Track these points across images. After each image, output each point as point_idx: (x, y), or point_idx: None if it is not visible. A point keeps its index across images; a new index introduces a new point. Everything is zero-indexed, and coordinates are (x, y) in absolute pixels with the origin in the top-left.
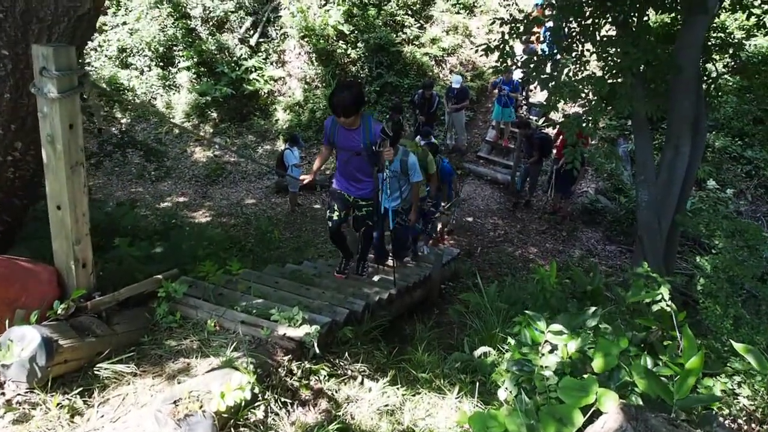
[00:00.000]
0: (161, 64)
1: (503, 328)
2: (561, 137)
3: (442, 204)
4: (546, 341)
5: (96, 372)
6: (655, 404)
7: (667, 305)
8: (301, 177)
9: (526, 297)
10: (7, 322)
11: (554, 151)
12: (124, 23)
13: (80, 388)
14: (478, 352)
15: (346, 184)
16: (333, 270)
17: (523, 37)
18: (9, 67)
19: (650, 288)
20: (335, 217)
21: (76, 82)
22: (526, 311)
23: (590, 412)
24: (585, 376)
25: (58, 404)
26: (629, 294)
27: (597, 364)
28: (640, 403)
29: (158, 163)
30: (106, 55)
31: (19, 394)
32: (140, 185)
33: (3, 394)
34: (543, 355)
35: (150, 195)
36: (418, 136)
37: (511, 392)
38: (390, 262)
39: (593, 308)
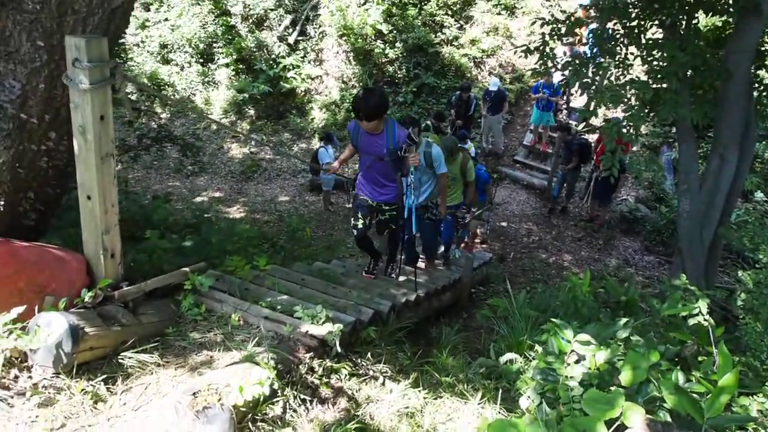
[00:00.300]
0: (201, 60)
1: (531, 335)
2: (601, 143)
3: (473, 209)
4: (572, 351)
5: (120, 360)
6: (686, 422)
7: (705, 319)
8: (327, 162)
9: (556, 305)
10: (36, 308)
11: (594, 157)
12: (166, 19)
13: (104, 376)
14: (504, 358)
15: (369, 189)
16: (362, 270)
17: (568, 39)
18: (44, 58)
19: (687, 301)
20: (360, 225)
21: (107, 73)
22: (554, 319)
23: (615, 426)
24: (612, 388)
25: (82, 390)
26: (665, 306)
27: (625, 377)
28: (668, 419)
29: (194, 158)
30: (148, 51)
31: (45, 378)
32: (177, 179)
33: (30, 377)
34: (568, 365)
35: (186, 189)
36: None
37: (533, 401)
38: (421, 264)
39: (625, 319)
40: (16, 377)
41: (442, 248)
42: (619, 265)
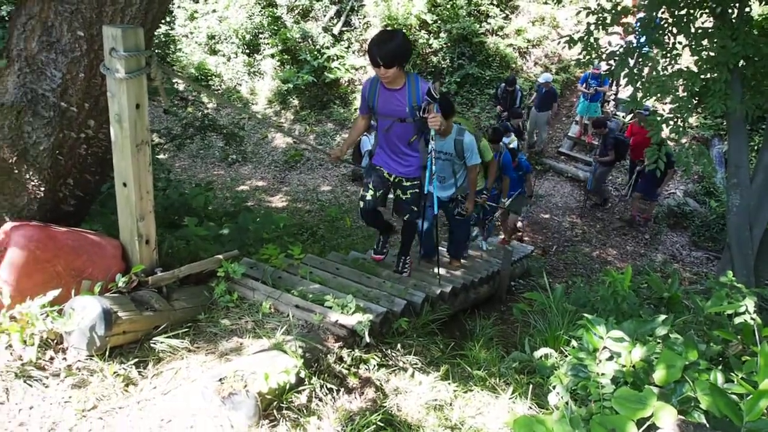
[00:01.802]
0: (247, 51)
1: (568, 330)
2: (633, 137)
3: (502, 200)
4: (604, 347)
5: (152, 345)
6: (723, 424)
7: (752, 318)
8: (328, 151)
9: (596, 300)
10: (73, 291)
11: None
12: (214, 11)
13: (136, 360)
14: (538, 353)
15: (386, 159)
16: (371, 252)
17: (614, 29)
18: (84, 48)
19: (734, 299)
20: (369, 197)
21: (143, 63)
22: (587, 315)
23: (645, 425)
24: (646, 387)
25: (114, 373)
26: (708, 304)
27: (659, 375)
28: (703, 421)
29: (238, 147)
30: (196, 42)
31: (79, 360)
32: (222, 168)
33: (65, 359)
34: (600, 361)
35: (230, 178)
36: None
37: (562, 398)
38: (445, 259)
39: (663, 316)
40: (52, 358)
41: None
42: (666, 261)
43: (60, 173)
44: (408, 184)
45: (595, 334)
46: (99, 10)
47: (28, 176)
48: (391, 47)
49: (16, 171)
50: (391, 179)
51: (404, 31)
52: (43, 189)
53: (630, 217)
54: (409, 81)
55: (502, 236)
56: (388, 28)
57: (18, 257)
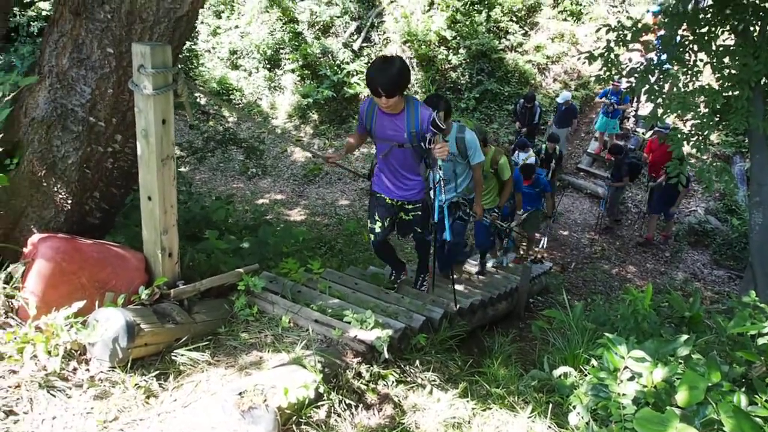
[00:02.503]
0: (268, 66)
1: (588, 348)
2: (651, 154)
3: (518, 213)
4: (625, 367)
5: (173, 357)
6: None
7: None
8: (324, 155)
9: (615, 318)
10: (97, 303)
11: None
12: (236, 27)
13: (157, 372)
14: (557, 371)
15: (387, 184)
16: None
17: (634, 46)
18: (113, 65)
19: (757, 319)
20: (377, 229)
21: (170, 79)
22: (607, 334)
23: None
24: (668, 409)
25: (135, 385)
26: (731, 324)
27: (681, 397)
28: None
29: (258, 161)
30: (218, 57)
31: (101, 372)
32: (241, 181)
33: (88, 370)
34: (621, 381)
35: (249, 191)
36: (515, 148)
37: (582, 418)
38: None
39: (685, 337)
40: (75, 369)
41: (477, 255)
42: (687, 279)
43: (87, 186)
44: (410, 207)
45: (616, 354)
46: (128, 28)
47: (56, 189)
48: (392, 75)
49: (45, 184)
50: (394, 204)
51: (417, 48)
52: (70, 202)
53: (644, 240)
54: (408, 106)
55: (515, 256)
56: (386, 55)
57: (45, 268)
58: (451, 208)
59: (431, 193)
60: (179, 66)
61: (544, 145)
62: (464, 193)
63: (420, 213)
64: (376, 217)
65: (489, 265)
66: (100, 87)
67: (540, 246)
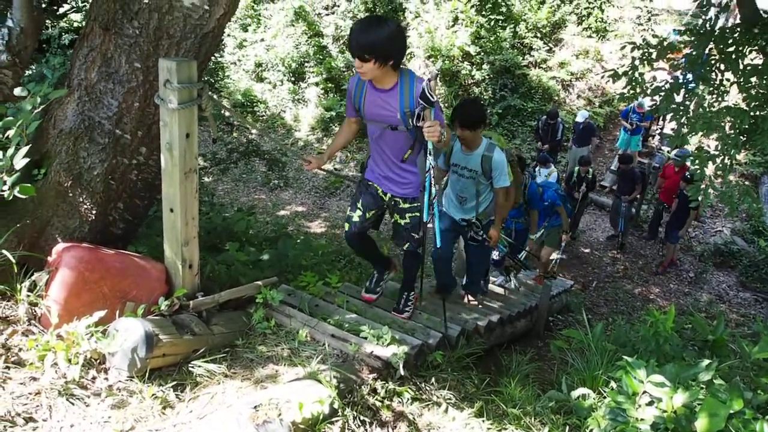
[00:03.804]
0: (292, 79)
1: (607, 370)
2: (666, 180)
3: (530, 236)
4: (645, 392)
5: (190, 369)
6: None
7: None
8: (306, 158)
9: (636, 339)
10: (117, 312)
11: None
12: (262, 40)
13: (174, 383)
14: (575, 393)
15: (380, 174)
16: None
17: (658, 64)
18: (140, 79)
19: None
20: (355, 218)
21: (195, 94)
22: (626, 357)
23: None
24: None
25: (152, 395)
26: (756, 349)
27: (701, 424)
28: None
29: (280, 173)
30: (243, 69)
31: (120, 381)
32: (263, 192)
33: (107, 379)
34: (639, 406)
35: (271, 202)
36: (537, 164)
37: None
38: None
39: (707, 361)
40: (94, 378)
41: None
42: (711, 301)
43: (111, 197)
44: (406, 206)
45: (635, 378)
46: (156, 44)
47: (81, 199)
48: (375, 36)
49: (71, 194)
50: (386, 199)
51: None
52: (94, 212)
53: (663, 268)
54: (402, 80)
55: (537, 272)
56: (380, 15)
57: (68, 277)
58: (466, 227)
59: (424, 192)
60: (204, 81)
61: (576, 168)
62: (484, 215)
63: (418, 215)
64: (359, 205)
65: (498, 281)
66: (126, 100)
67: (554, 263)
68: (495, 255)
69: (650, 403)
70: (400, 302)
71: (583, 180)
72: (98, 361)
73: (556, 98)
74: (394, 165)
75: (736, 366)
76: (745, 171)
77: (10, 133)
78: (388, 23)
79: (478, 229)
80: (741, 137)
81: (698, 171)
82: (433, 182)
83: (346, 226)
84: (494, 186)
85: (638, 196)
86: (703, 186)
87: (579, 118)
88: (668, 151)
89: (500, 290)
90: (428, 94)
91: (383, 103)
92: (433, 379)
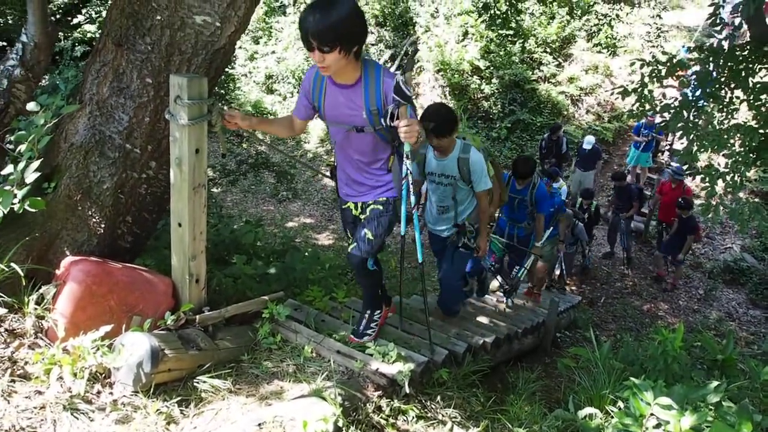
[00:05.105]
0: None
1: (614, 389)
2: (663, 197)
3: (536, 244)
4: (652, 414)
5: (195, 384)
6: None
7: None
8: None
9: (645, 358)
10: (124, 326)
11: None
12: (273, 52)
13: (179, 398)
14: (582, 412)
15: (348, 184)
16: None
17: (668, 82)
18: (151, 94)
19: None
20: (351, 249)
21: (205, 110)
22: (633, 379)
23: None
24: None
25: (157, 410)
26: (766, 369)
27: None
28: None
29: (288, 184)
30: (254, 81)
31: (124, 396)
32: (272, 204)
33: (111, 393)
34: (647, 429)
35: (279, 214)
36: (545, 178)
37: None
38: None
39: (716, 382)
40: (99, 392)
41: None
42: (721, 318)
43: (120, 211)
44: (371, 202)
45: (642, 400)
46: (167, 59)
47: (90, 213)
48: (337, 17)
49: (80, 208)
50: (359, 207)
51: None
52: (103, 226)
53: (657, 276)
54: (366, 73)
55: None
56: None
57: (75, 291)
58: (453, 238)
59: (400, 191)
60: (214, 96)
61: (579, 200)
62: (472, 222)
63: (381, 211)
64: (350, 234)
65: (496, 284)
66: (137, 115)
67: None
68: (489, 265)
69: (657, 426)
70: (360, 323)
71: (586, 211)
72: (103, 375)
73: (566, 113)
74: (363, 171)
75: (746, 387)
76: (755, 188)
77: (22, 147)
78: (342, 1)
79: (471, 234)
80: (751, 155)
81: (708, 188)
82: (411, 190)
83: (349, 256)
84: (475, 190)
85: (635, 212)
86: (713, 203)
87: (586, 145)
88: (667, 164)
89: (499, 305)
90: (403, 89)
91: (346, 101)
92: (438, 397)
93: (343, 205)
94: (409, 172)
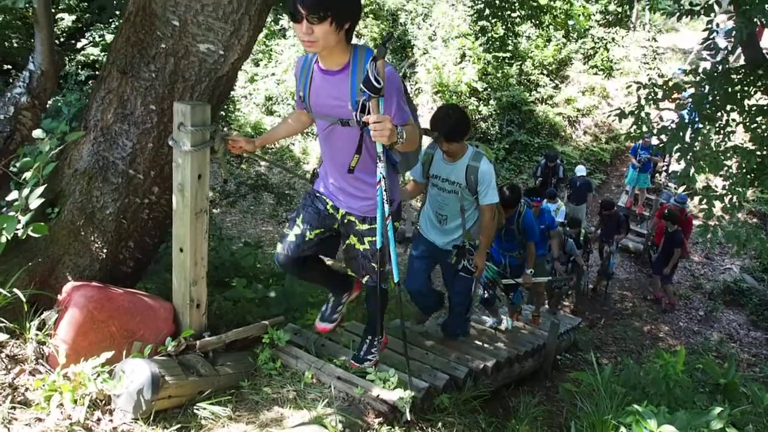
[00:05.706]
0: None
1: (617, 414)
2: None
3: (526, 271)
4: None
5: (195, 411)
6: None
7: None
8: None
9: (647, 382)
10: (124, 352)
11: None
12: (273, 74)
13: (179, 425)
14: None
15: (333, 186)
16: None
17: (664, 104)
18: (155, 120)
19: None
20: (291, 237)
21: (207, 137)
22: (636, 406)
23: None
24: None
25: None
26: None
27: None
28: None
29: (288, 206)
30: (254, 103)
31: (124, 423)
32: (271, 225)
33: (111, 420)
34: None
35: (278, 234)
36: (544, 200)
37: None
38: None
39: (719, 408)
40: (99, 420)
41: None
42: (722, 340)
43: (122, 236)
44: (365, 227)
45: (646, 428)
46: (171, 87)
47: (92, 238)
48: None
49: (83, 233)
50: (339, 216)
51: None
52: (105, 251)
53: (653, 298)
54: (355, 59)
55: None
56: None
57: (77, 317)
58: (456, 255)
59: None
60: (216, 123)
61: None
62: (470, 238)
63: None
64: (299, 221)
65: (488, 323)
66: (141, 141)
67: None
68: (482, 292)
69: None
70: (361, 348)
71: (575, 240)
72: (104, 402)
73: (563, 134)
74: (348, 172)
75: (749, 412)
76: (754, 208)
77: (27, 175)
78: None
79: (471, 256)
80: (748, 177)
81: (706, 210)
82: (385, 198)
83: (278, 247)
84: (480, 203)
85: (621, 239)
86: (711, 224)
87: (578, 172)
88: (675, 188)
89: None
90: (372, 79)
91: (331, 89)
92: (440, 424)
93: (318, 194)
94: (383, 176)
